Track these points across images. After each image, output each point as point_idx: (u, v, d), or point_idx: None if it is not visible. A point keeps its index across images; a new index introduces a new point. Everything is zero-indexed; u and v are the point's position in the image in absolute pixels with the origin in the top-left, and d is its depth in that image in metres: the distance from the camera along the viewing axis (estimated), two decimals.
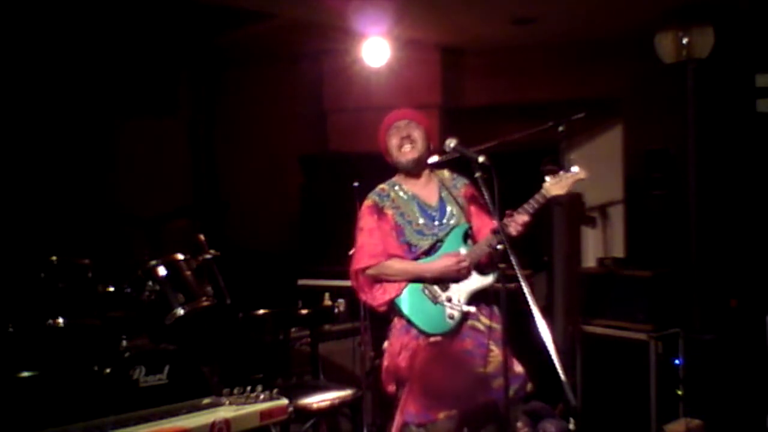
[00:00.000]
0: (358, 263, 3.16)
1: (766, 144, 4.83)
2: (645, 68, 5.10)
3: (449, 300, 3.08)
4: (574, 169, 3.11)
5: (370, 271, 3.13)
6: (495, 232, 3.00)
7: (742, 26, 4.83)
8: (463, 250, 3.13)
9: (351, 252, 3.25)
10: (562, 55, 5.57)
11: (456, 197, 3.25)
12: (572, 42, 5.43)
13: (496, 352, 3.04)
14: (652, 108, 5.28)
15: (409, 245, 3.15)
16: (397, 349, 3.09)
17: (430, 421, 2.97)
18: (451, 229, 3.17)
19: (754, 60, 4.90)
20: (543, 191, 3.08)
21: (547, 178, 3.10)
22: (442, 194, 3.25)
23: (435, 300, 3.09)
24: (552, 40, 5.43)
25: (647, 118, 5.33)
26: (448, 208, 3.21)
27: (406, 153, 3.20)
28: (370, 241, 3.15)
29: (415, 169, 3.23)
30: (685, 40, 4.68)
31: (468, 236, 3.20)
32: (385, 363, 3.17)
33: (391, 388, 3.15)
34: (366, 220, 3.20)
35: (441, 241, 3.15)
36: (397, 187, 3.25)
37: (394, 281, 3.11)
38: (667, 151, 5.04)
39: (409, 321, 3.08)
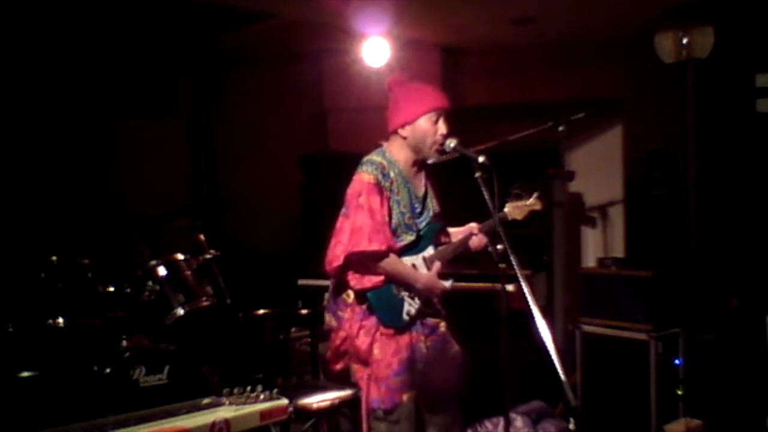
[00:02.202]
0: (357, 245, 2.95)
1: (766, 144, 4.83)
2: (645, 68, 5.10)
3: (410, 296, 3.11)
4: (531, 200, 3.34)
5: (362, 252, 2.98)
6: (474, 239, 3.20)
7: (742, 26, 4.83)
8: (430, 251, 3.16)
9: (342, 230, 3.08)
10: (562, 55, 5.57)
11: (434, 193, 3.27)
12: (572, 42, 5.42)
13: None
14: (652, 108, 5.27)
15: (394, 234, 3.08)
16: (354, 331, 3.09)
17: (396, 405, 3.02)
18: (428, 224, 3.18)
19: (754, 60, 4.90)
20: (505, 213, 3.28)
21: (508, 201, 3.30)
22: (428, 187, 3.23)
23: (397, 291, 3.09)
24: (552, 40, 5.43)
25: (647, 118, 5.33)
26: (428, 202, 3.20)
27: (440, 151, 3.09)
28: (372, 224, 2.96)
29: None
30: (685, 40, 4.68)
31: (438, 237, 3.23)
32: (336, 343, 3.17)
33: (338, 366, 3.20)
34: (369, 198, 2.98)
35: (420, 235, 3.14)
36: (395, 167, 3.10)
37: (377, 273, 3.04)
38: (667, 151, 5.04)
39: (370, 307, 3.06)
